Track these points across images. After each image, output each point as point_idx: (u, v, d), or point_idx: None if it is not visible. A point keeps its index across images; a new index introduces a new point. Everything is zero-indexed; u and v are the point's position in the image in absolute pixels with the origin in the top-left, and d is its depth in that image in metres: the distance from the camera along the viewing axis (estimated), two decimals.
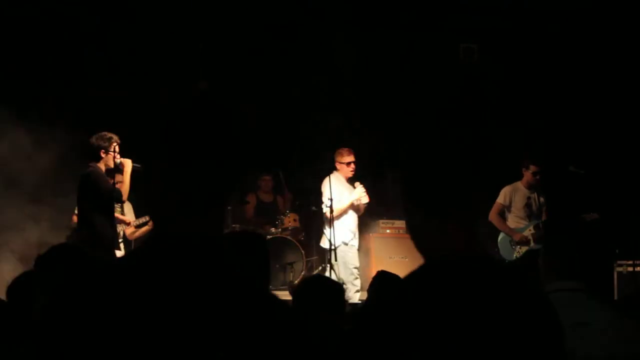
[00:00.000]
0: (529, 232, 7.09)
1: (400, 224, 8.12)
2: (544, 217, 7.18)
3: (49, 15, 7.54)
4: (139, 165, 5.87)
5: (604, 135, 8.20)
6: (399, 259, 8.07)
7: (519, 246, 7.09)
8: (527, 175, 7.10)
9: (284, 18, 8.20)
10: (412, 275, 1.37)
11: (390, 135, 8.59)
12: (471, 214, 1.44)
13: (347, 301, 3.24)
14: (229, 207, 8.04)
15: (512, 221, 7.16)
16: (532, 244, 7.06)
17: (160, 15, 7.86)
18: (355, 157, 7.31)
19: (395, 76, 8.77)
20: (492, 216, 7.12)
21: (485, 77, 9.24)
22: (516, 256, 7.09)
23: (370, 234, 8.21)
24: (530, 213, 7.13)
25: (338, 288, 3.14)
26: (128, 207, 7.22)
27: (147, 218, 6.94)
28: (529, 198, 7.13)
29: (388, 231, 8.43)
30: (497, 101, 9.35)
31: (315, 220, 8.44)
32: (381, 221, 8.53)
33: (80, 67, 7.75)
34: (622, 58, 8.22)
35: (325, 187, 7.24)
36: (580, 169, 7.31)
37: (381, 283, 3.75)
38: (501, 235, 7.18)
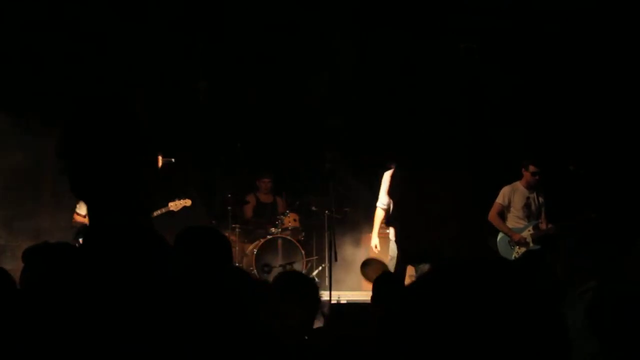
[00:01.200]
0: (527, 233, 7.09)
1: None
2: (542, 218, 7.18)
3: (46, 14, 7.54)
4: (171, 159, 5.90)
5: (604, 135, 8.20)
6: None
7: (517, 247, 7.10)
8: (527, 175, 7.11)
9: (284, 17, 8.20)
10: (422, 280, 1.37)
11: (391, 135, 8.58)
12: (474, 212, 1.45)
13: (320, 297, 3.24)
14: (229, 208, 8.05)
15: (512, 221, 7.16)
16: (531, 244, 7.07)
17: (160, 14, 7.86)
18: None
19: (395, 76, 8.76)
20: (492, 216, 7.13)
21: (485, 77, 9.24)
22: (515, 256, 7.10)
23: (371, 235, 8.20)
24: (529, 213, 7.14)
25: (311, 284, 3.15)
26: None
27: (162, 210, 7.06)
28: (528, 198, 7.13)
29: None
30: (497, 101, 9.35)
31: (314, 220, 8.46)
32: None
33: (79, 67, 7.76)
34: (622, 57, 8.21)
35: (382, 183, 6.82)
36: (580, 168, 7.31)
37: (384, 284, 3.76)
38: (500, 235, 7.18)
